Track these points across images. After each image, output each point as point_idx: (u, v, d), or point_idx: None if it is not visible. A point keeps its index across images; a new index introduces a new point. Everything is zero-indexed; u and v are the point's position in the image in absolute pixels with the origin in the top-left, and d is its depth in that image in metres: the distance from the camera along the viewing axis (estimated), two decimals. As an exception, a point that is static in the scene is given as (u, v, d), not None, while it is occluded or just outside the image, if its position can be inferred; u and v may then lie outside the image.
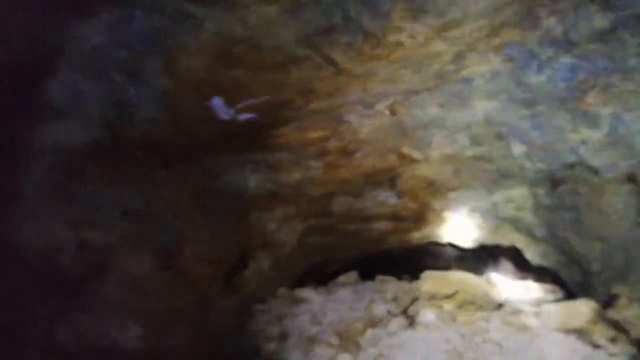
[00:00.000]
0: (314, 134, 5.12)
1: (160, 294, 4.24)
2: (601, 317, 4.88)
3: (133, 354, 3.92)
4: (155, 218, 4.18)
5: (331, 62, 3.54)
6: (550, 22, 3.66)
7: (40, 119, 3.28)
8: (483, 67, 4.23)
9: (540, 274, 8.48)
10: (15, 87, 3.16)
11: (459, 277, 6.21)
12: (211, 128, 3.82)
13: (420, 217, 7.78)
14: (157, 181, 4.07)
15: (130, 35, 3.22)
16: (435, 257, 11.09)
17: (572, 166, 5.13)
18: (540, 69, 3.98)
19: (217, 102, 3.56)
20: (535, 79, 4.10)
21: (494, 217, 6.89)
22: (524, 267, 8.94)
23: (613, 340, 4.59)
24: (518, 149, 5.20)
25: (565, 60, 3.86)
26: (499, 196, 6.47)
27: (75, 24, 3.15)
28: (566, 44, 3.81)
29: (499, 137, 5.21)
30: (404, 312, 5.87)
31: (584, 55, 3.76)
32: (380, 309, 6.16)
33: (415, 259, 11.77)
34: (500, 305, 5.46)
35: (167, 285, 4.32)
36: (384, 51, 3.55)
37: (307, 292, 6.94)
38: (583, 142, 4.70)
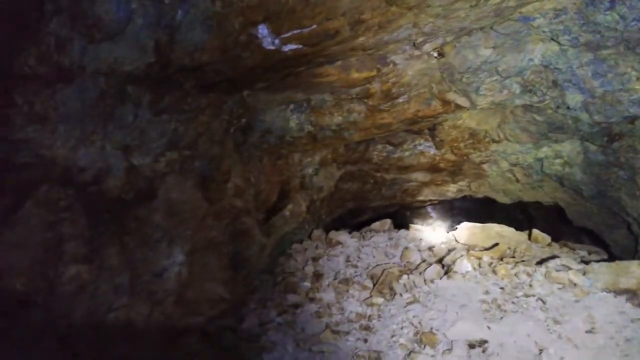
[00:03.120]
0: (358, 75, 4.82)
1: (201, 223, 4.19)
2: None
3: (176, 280, 3.93)
4: (195, 145, 4.06)
5: (384, -12, 3.22)
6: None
7: (92, 39, 3.14)
8: (548, 3, 3.79)
9: (578, 235, 8.11)
10: (61, 5, 3.01)
11: (499, 230, 5.94)
12: (255, 57, 3.60)
13: (458, 170, 7.47)
14: (198, 107, 3.92)
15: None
16: (470, 211, 10.80)
17: (633, 120, 4.67)
18: (612, 4, 3.51)
19: (263, 30, 3.32)
20: (605, 17, 3.63)
21: (538, 173, 6.49)
22: (562, 227, 8.58)
23: (665, 305, 4.29)
24: (574, 99, 4.74)
25: (644, -5, 3.39)
26: (546, 150, 6.05)
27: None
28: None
29: (554, 85, 4.76)
30: (440, 261, 5.69)
31: (666, -12, 3.28)
32: (415, 257, 6.01)
33: (449, 212, 11.54)
34: (543, 261, 5.17)
35: (208, 215, 4.26)
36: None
37: (342, 236, 6.85)
38: (649, 92, 4.23)
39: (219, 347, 4.56)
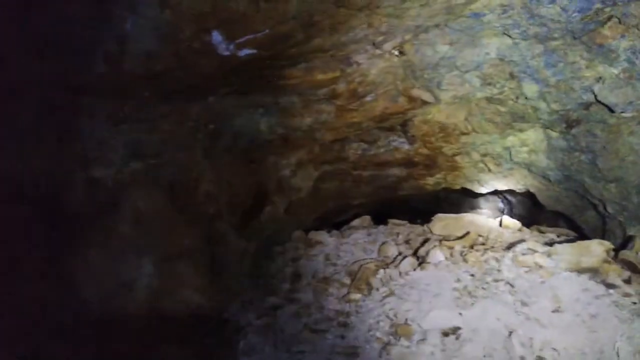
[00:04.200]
0: (323, 76, 4.89)
1: (172, 232, 4.19)
2: (615, 257, 4.67)
3: (146, 290, 3.93)
4: (160, 153, 4.06)
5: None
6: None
7: (40, 51, 3.13)
8: (495, -1, 3.88)
9: (554, 218, 8.25)
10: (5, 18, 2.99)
11: (471, 219, 6.05)
12: (211, 63, 3.63)
13: (433, 163, 7.56)
14: (160, 115, 3.92)
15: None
16: (449, 202, 10.90)
17: (587, 106, 4.78)
18: (554, -3, 3.61)
19: (217, 37, 3.36)
20: (548, 10, 3.73)
21: (508, 161, 6.60)
22: (537, 212, 8.72)
23: (627, 280, 4.39)
24: (531, 89, 4.86)
25: (582, -13, 3.48)
26: (512, 139, 6.17)
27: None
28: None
29: (512, 76, 4.87)
30: (415, 253, 5.77)
31: (601, -20, 3.38)
32: (392, 251, 6.07)
33: (429, 205, 11.64)
34: (511, 246, 5.28)
35: (179, 223, 4.27)
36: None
37: (321, 235, 6.89)
38: (599, 79, 4.33)
39: (198, 355, 4.57)
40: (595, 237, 5.64)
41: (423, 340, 4.26)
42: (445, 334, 4.28)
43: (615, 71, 4.07)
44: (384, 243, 6.37)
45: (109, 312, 3.69)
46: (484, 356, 3.99)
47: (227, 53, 3.47)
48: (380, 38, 4.50)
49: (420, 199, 11.76)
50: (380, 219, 8.13)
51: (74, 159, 3.56)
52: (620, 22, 3.70)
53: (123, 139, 3.79)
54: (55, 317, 3.39)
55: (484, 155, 6.74)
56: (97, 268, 3.66)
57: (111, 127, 3.66)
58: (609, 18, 3.71)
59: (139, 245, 3.95)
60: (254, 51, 3.57)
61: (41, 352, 3.21)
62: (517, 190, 7.70)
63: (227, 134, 5.23)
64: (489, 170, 7.16)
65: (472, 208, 10.65)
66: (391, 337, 4.43)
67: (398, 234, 6.74)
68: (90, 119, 3.55)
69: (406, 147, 7.32)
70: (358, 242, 6.66)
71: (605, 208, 5.58)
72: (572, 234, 6.23)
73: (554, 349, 3.87)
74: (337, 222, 9.54)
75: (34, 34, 3.01)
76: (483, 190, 8.21)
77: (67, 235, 3.53)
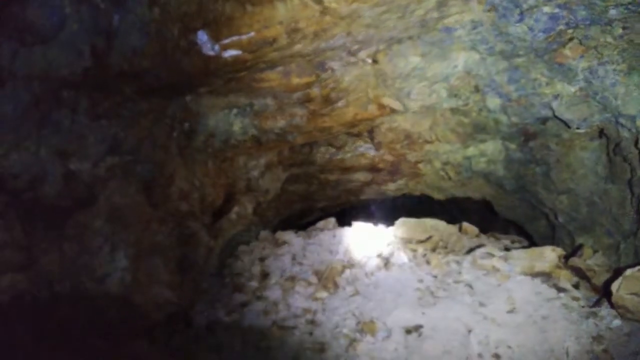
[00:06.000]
0: (299, 80, 4.95)
1: (146, 228, 4.13)
2: (566, 263, 4.96)
3: (119, 285, 3.85)
4: (137, 150, 4.01)
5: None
6: (534, -31, 3.51)
7: (24, 43, 3.04)
8: (466, 16, 4.07)
9: (506, 227, 8.63)
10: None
11: (433, 224, 6.24)
12: (195, 63, 3.62)
13: (396, 170, 7.75)
14: (139, 112, 3.87)
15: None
16: (409, 207, 11.18)
17: (544, 121, 5.07)
18: (521, 18, 3.83)
19: (202, 37, 3.36)
20: (516, 29, 3.95)
21: (467, 170, 6.86)
22: (492, 220, 9.09)
23: (576, 285, 4.67)
24: (494, 102, 5.10)
25: (547, 9, 3.70)
26: (473, 150, 6.42)
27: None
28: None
29: (476, 90, 5.10)
30: (380, 255, 5.90)
31: (565, 4, 3.62)
32: (357, 252, 6.18)
33: (390, 209, 11.89)
34: (470, 250, 5.51)
35: (153, 220, 4.21)
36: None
37: (288, 235, 6.92)
38: (557, 96, 4.59)
39: (167, 350, 4.51)
40: (545, 245, 5.97)
41: (387, 337, 4.39)
42: (408, 331, 4.43)
43: (573, 89, 4.34)
44: (349, 245, 6.47)
45: (82, 306, 3.60)
46: (444, 353, 4.15)
47: (212, 53, 3.48)
48: (356, 46, 4.63)
49: (381, 204, 12.04)
50: (341, 223, 8.26)
51: (53, 151, 3.46)
52: (580, 44, 3.96)
53: (101, 134, 3.72)
54: (28, 308, 3.28)
55: (446, 163, 6.97)
56: (71, 261, 3.57)
57: (91, 122, 3.58)
58: (570, 39, 3.97)
59: (114, 240, 3.87)
60: (239, 52, 3.60)
61: (11, 343, 3.10)
62: (474, 199, 7.99)
63: (201, 133, 5.20)
64: (449, 178, 7.41)
65: (431, 214, 10.94)
66: (357, 333, 4.53)
67: (363, 235, 6.85)
68: (71, 113, 3.46)
69: (372, 153, 7.46)
70: (324, 243, 6.73)
71: (556, 217, 5.90)
72: (525, 241, 6.55)
73: (509, 347, 4.08)
74: (301, 224, 9.60)
75: (19, 23, 2.93)
76: (441, 197, 8.46)
77: (43, 227, 3.43)
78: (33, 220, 3.39)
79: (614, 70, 3.99)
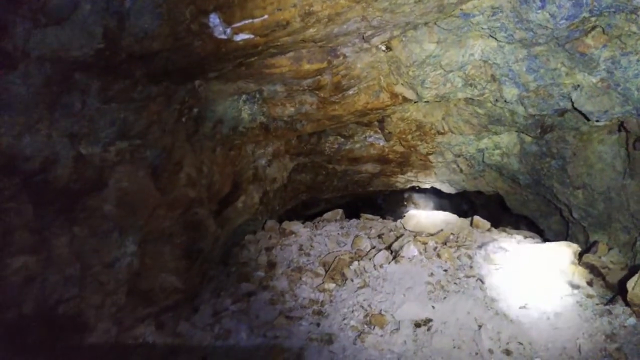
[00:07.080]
0: (310, 66, 4.87)
1: (153, 214, 4.11)
2: (581, 260, 4.90)
3: (128, 270, 3.84)
4: (146, 134, 3.97)
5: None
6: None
7: (37, 23, 2.99)
8: (486, 1, 3.97)
9: (516, 222, 8.55)
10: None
11: (443, 217, 6.18)
12: (207, 46, 3.56)
13: (406, 161, 7.68)
14: (148, 96, 3.82)
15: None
16: (418, 200, 11.15)
17: (562, 113, 4.96)
18: (544, 4, 3.72)
19: (214, 19, 3.30)
20: (537, 15, 3.84)
21: (480, 163, 6.78)
22: (500, 215, 9.02)
23: (590, 282, 4.61)
24: (511, 92, 4.98)
25: (571, -5, 3.61)
26: (486, 142, 6.33)
27: None
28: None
29: (493, 79, 4.99)
30: (389, 247, 5.86)
31: (590, -11, 3.51)
32: (365, 244, 6.14)
33: (399, 201, 11.85)
34: (482, 245, 5.45)
35: (160, 205, 4.18)
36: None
37: (295, 226, 6.90)
38: (577, 86, 4.47)
39: (173, 337, 4.51)
40: (558, 241, 5.89)
41: (396, 330, 4.36)
42: (418, 325, 4.40)
43: (594, 80, 4.22)
44: (357, 236, 6.42)
45: (90, 290, 3.60)
46: (454, 347, 4.12)
47: (223, 37, 3.42)
48: (370, 32, 4.53)
49: (387, 197, 11.97)
50: (351, 213, 8.21)
51: (64, 134, 3.44)
52: (603, 32, 3.85)
53: (112, 117, 3.68)
54: (37, 292, 3.27)
55: (458, 155, 6.89)
56: (81, 245, 3.55)
57: (101, 105, 3.55)
58: (593, 27, 3.86)
59: (123, 225, 3.85)
60: (251, 36, 3.54)
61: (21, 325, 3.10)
62: (486, 193, 7.91)
63: (210, 119, 5.14)
64: (461, 170, 7.33)
65: (439, 207, 10.91)
66: (365, 326, 4.50)
67: (371, 228, 6.81)
68: (81, 95, 3.42)
69: (382, 143, 7.40)
70: (331, 234, 6.70)
71: (570, 213, 5.81)
72: (537, 237, 6.47)
73: (520, 343, 4.04)
74: (307, 214, 9.57)
75: (33, 3, 2.88)
76: (452, 190, 8.40)
77: (54, 210, 3.41)
78: (44, 203, 3.37)
79: (638, 60, 3.89)
